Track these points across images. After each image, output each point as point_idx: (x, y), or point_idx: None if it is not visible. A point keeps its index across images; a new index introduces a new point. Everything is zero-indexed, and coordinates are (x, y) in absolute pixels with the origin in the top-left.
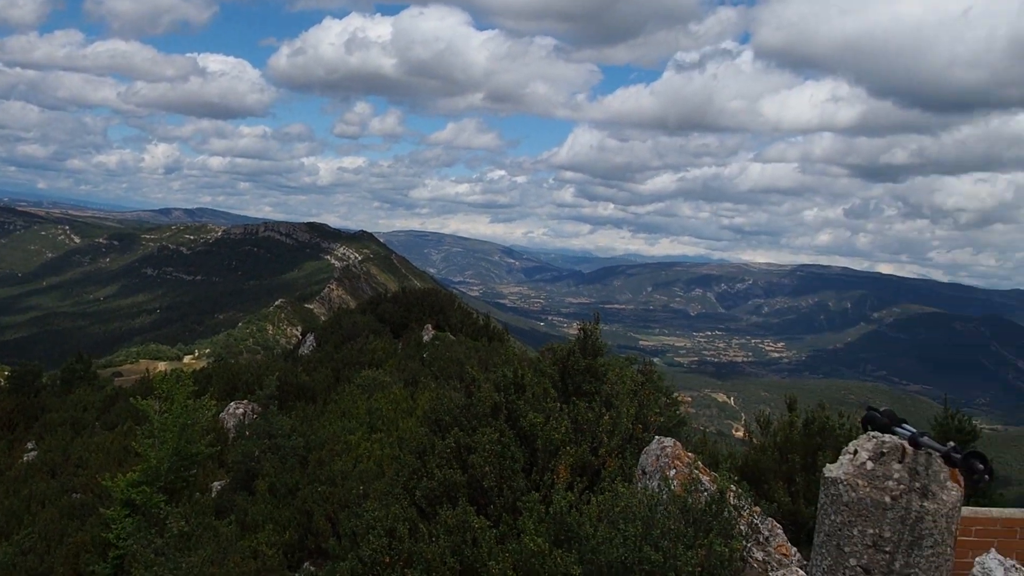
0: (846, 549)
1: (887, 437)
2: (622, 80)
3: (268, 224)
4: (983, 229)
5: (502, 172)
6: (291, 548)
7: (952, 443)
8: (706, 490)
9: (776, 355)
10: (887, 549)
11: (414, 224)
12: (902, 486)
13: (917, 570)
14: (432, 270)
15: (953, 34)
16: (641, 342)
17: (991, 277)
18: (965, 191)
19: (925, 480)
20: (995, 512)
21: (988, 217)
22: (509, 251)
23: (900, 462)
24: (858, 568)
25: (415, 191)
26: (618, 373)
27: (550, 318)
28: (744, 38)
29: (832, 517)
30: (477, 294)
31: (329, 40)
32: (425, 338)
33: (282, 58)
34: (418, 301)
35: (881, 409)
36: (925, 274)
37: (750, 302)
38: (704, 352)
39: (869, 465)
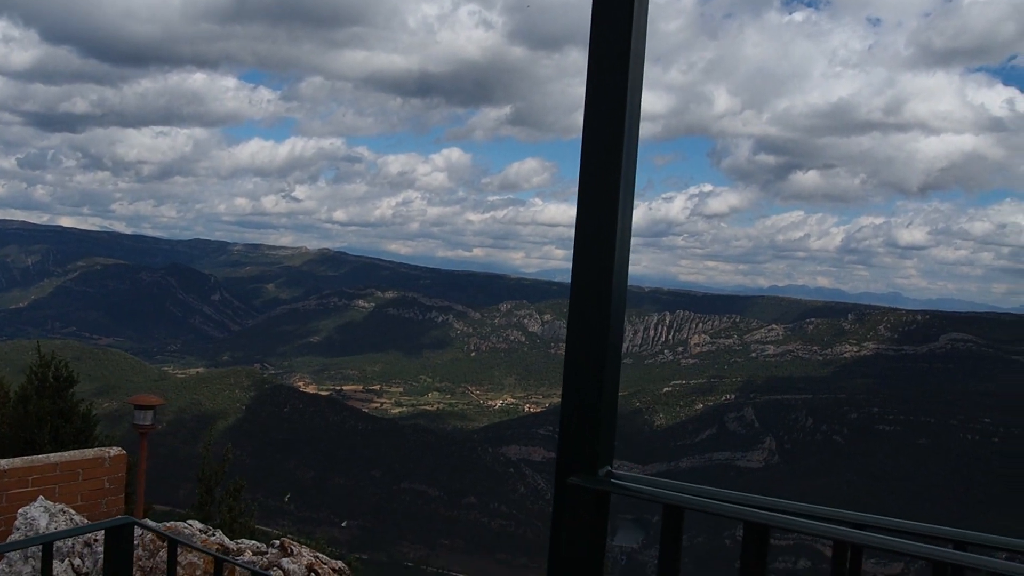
0: None
1: None
2: None
3: None
4: (164, 181)
5: None
6: None
7: None
8: None
9: None
10: None
11: None
12: None
13: None
14: None
15: None
16: None
17: (173, 228)
18: (146, 144)
19: None
20: (55, 457)
21: (169, 170)
22: None
23: None
24: None
25: None
26: None
27: None
28: None
29: None
30: None
31: None
32: None
33: None
34: None
35: None
36: (108, 226)
37: None
38: None
39: None
